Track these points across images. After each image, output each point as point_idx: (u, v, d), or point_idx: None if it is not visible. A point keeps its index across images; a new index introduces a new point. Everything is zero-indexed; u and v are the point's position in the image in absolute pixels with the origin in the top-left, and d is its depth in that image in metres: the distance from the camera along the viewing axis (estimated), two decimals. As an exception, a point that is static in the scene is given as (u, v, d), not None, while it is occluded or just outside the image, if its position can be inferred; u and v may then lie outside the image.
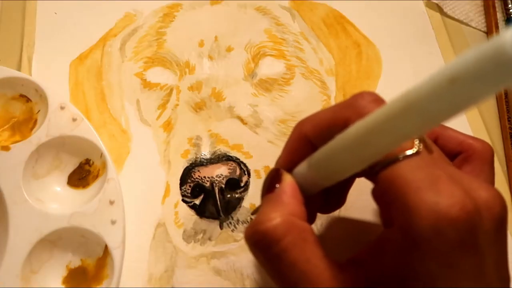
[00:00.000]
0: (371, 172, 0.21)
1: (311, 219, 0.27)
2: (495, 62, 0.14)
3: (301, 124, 0.25)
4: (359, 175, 0.26)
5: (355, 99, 0.23)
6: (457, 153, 0.26)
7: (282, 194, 0.24)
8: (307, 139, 0.25)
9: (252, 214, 0.32)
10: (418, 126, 0.17)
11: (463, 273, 0.19)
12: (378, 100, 0.23)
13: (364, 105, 0.22)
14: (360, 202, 0.32)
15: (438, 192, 0.19)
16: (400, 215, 0.20)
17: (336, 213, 0.32)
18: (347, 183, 0.28)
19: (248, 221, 0.33)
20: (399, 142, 0.19)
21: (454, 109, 0.16)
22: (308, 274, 0.21)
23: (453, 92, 0.15)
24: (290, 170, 0.25)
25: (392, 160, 0.21)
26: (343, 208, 0.30)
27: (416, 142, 0.21)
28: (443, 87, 0.16)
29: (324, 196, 0.27)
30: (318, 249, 0.22)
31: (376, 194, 0.24)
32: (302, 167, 0.24)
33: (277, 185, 0.24)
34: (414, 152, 0.21)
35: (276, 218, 0.22)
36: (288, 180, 0.24)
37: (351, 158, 0.21)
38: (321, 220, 0.33)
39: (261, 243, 0.22)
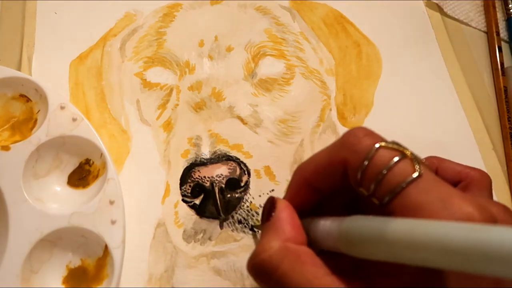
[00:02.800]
0: (380, 204, 0.21)
1: None
2: None
3: (301, 170, 0.26)
4: (361, 212, 0.26)
5: (347, 138, 0.23)
6: (456, 183, 0.26)
7: (277, 221, 0.24)
8: (308, 183, 0.25)
9: (255, 228, 0.32)
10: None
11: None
12: (369, 135, 0.23)
13: (357, 142, 0.22)
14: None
15: (453, 209, 0.20)
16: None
17: None
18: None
19: (247, 221, 0.33)
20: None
21: None
22: None
23: None
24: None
25: (399, 188, 0.21)
26: None
27: (416, 164, 0.21)
28: None
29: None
30: (319, 268, 0.22)
31: None
32: (329, 226, 0.24)
33: (273, 213, 0.25)
34: (418, 175, 0.21)
35: (271, 248, 0.23)
36: (282, 206, 0.25)
37: (386, 252, 0.20)
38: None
39: (261, 274, 0.23)
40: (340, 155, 0.23)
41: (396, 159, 0.21)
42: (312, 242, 0.24)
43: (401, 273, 0.22)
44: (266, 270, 0.22)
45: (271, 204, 0.25)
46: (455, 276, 0.19)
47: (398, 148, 0.22)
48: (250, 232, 0.32)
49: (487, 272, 0.16)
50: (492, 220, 0.20)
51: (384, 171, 0.21)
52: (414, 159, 0.21)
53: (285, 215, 0.24)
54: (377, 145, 0.22)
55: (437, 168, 0.27)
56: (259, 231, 0.32)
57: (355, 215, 0.23)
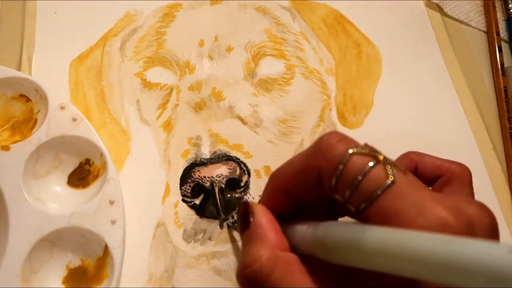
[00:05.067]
0: (356, 211, 0.21)
1: None
2: None
3: (276, 175, 0.26)
4: (340, 215, 0.26)
5: (320, 144, 0.23)
6: (436, 177, 0.26)
7: (259, 228, 0.24)
8: (283, 189, 0.25)
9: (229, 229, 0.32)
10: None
11: None
12: (342, 140, 0.22)
13: (330, 149, 0.22)
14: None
15: (427, 215, 0.20)
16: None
17: None
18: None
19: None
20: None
21: None
22: None
23: None
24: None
25: (374, 195, 0.21)
26: None
27: (389, 169, 0.21)
28: None
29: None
30: (307, 277, 0.22)
31: None
32: (305, 231, 0.24)
33: (251, 219, 0.24)
34: (392, 181, 0.21)
35: (261, 257, 0.23)
36: (260, 212, 0.25)
37: (360, 260, 0.20)
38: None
39: (252, 284, 0.23)
40: (314, 162, 0.23)
41: (370, 165, 0.21)
42: (291, 247, 0.24)
43: (384, 277, 0.22)
44: (258, 280, 0.22)
45: (245, 209, 0.25)
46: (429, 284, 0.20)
47: (371, 153, 0.21)
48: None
49: (456, 284, 0.16)
50: (467, 223, 0.20)
51: (359, 178, 0.21)
52: (388, 163, 0.21)
53: (265, 221, 0.24)
54: (350, 151, 0.21)
55: (417, 163, 0.27)
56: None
57: (329, 221, 0.23)
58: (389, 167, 0.21)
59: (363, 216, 0.21)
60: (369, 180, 0.21)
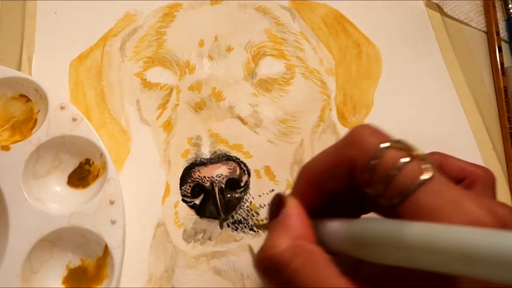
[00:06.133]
0: (389, 206, 0.21)
1: None
2: None
3: (306, 170, 0.25)
4: (367, 210, 0.26)
5: (353, 136, 0.23)
6: (460, 180, 0.26)
7: (287, 218, 0.24)
8: (314, 184, 0.25)
9: (256, 227, 0.32)
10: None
11: None
12: (375, 133, 0.22)
13: (364, 141, 0.22)
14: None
15: (464, 213, 0.19)
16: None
17: None
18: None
19: (247, 221, 0.33)
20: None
21: None
22: None
23: None
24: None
25: (409, 190, 0.20)
26: None
27: (427, 165, 0.21)
28: None
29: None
30: (331, 268, 0.21)
31: None
32: (337, 228, 0.23)
33: (282, 210, 0.24)
34: (428, 177, 0.20)
35: (282, 243, 0.22)
36: (292, 203, 0.24)
37: (402, 257, 0.20)
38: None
39: (271, 270, 0.22)
40: (347, 155, 0.23)
41: (405, 159, 0.21)
42: (318, 244, 0.24)
43: (410, 278, 0.21)
44: (277, 266, 0.22)
45: (279, 201, 0.25)
46: (469, 281, 0.19)
47: (405, 148, 0.21)
48: (250, 232, 0.32)
49: (503, 278, 0.16)
50: (502, 223, 0.20)
51: (394, 172, 0.21)
52: (423, 160, 0.21)
53: (296, 213, 0.24)
54: (384, 145, 0.21)
55: (441, 164, 0.27)
56: (259, 231, 0.32)
57: (366, 218, 0.22)
58: (425, 163, 0.21)
59: (396, 212, 0.21)
60: (404, 175, 0.21)
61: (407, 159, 0.21)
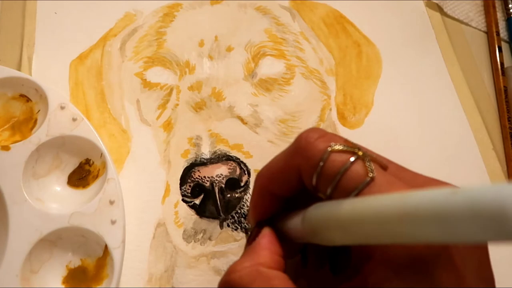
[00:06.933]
0: None
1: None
2: (492, 220, 0.14)
3: (260, 177, 0.26)
4: None
5: (299, 143, 0.23)
6: None
7: (256, 245, 0.24)
8: (268, 191, 0.25)
9: (247, 230, 0.33)
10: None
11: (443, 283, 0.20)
12: (321, 137, 0.22)
13: (309, 147, 0.22)
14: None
15: None
16: (377, 249, 0.21)
17: None
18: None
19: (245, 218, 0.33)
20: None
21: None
22: None
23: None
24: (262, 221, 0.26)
25: (355, 192, 0.20)
26: None
27: (368, 165, 0.21)
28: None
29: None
30: None
31: None
32: (295, 218, 0.24)
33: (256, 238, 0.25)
34: (370, 178, 0.20)
35: (244, 269, 0.23)
36: (263, 233, 0.25)
37: (340, 232, 0.20)
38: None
39: None
40: (293, 162, 0.23)
41: (350, 161, 0.21)
42: (287, 239, 0.25)
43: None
44: None
45: (257, 231, 0.25)
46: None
47: (350, 149, 0.21)
48: (244, 233, 0.32)
49: (411, 237, 0.17)
50: None
51: (339, 176, 0.21)
52: (367, 159, 0.21)
53: (265, 241, 0.24)
54: (329, 149, 0.21)
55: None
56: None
57: (314, 204, 0.23)
58: (369, 163, 0.21)
59: None
60: (349, 177, 0.21)
61: (351, 159, 0.21)
